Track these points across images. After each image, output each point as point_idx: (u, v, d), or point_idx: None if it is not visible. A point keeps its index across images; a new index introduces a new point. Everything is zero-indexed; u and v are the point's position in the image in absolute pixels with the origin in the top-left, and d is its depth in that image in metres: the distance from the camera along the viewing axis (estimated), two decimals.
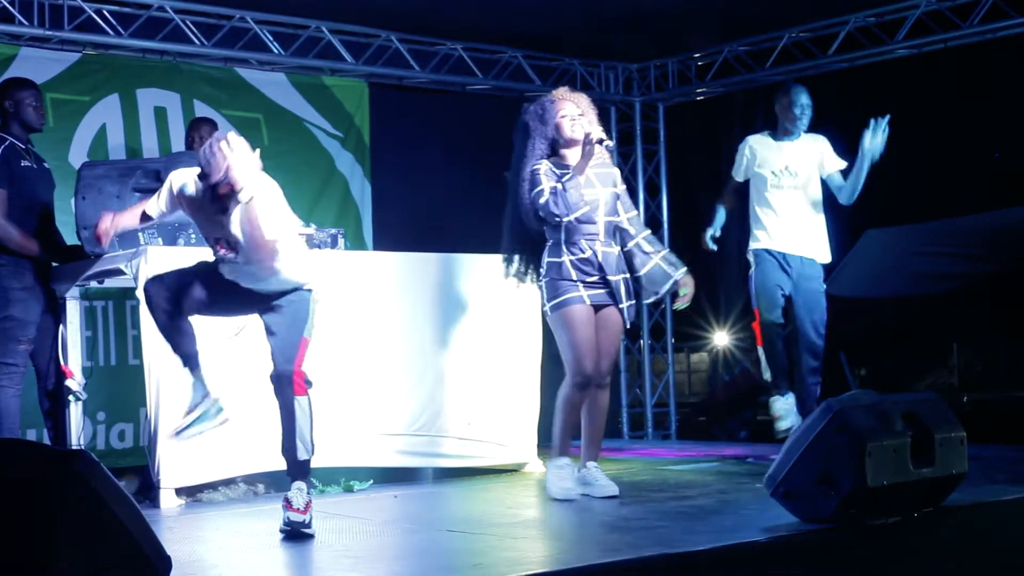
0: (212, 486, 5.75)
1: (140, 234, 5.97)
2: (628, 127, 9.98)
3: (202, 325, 5.06)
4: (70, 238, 6.26)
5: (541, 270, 5.56)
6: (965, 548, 4.54)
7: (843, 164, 6.50)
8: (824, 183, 6.52)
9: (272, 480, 5.88)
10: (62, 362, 6.29)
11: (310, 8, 7.99)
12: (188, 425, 4.83)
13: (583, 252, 5.46)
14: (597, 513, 4.92)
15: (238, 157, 4.68)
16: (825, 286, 6.51)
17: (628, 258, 5.62)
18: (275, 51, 8.07)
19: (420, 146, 8.77)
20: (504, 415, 6.28)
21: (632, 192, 9.95)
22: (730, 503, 5.10)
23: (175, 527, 4.94)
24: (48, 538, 2.79)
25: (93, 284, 6.29)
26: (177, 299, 4.79)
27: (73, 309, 6.35)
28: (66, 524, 2.82)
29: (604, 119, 9.84)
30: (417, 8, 8.06)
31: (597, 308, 5.50)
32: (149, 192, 5.95)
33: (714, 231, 6.71)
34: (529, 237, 5.64)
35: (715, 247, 6.64)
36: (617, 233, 5.60)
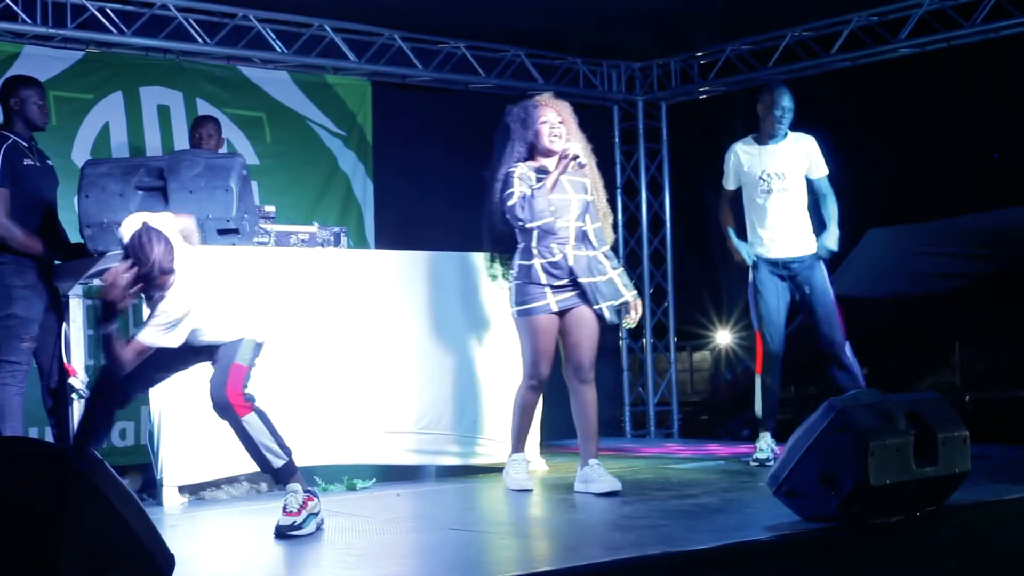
0: (215, 484, 5.76)
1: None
2: (631, 126, 9.98)
3: None
4: (73, 236, 6.27)
5: (512, 272, 5.72)
6: (967, 547, 4.55)
7: (826, 171, 6.52)
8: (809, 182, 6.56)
9: None
10: (65, 360, 6.30)
11: (313, 7, 7.99)
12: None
13: (553, 256, 5.60)
14: (600, 512, 4.92)
15: (163, 247, 4.63)
16: (826, 273, 6.52)
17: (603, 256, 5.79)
18: (278, 49, 8.07)
19: (423, 145, 8.77)
20: (507, 413, 6.26)
21: (635, 191, 9.97)
22: (733, 502, 5.10)
23: (178, 525, 4.94)
24: (51, 536, 2.80)
25: (96, 282, 6.29)
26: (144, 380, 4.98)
27: (76, 307, 6.35)
28: (69, 522, 2.82)
29: (607, 118, 9.93)
30: (420, 7, 8.06)
31: (567, 311, 5.65)
32: (151, 191, 5.97)
33: (746, 256, 6.58)
34: (503, 237, 5.78)
35: (751, 260, 6.57)
36: (587, 238, 5.72)
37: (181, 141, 7.71)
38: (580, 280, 5.61)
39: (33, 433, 6.89)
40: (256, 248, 6.03)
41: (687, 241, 10.74)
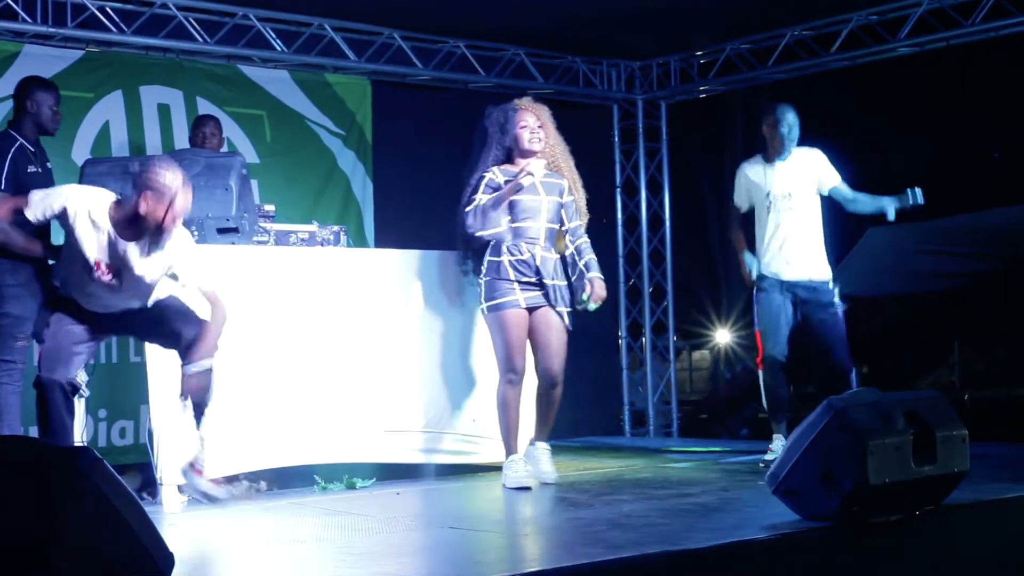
0: (215, 483, 5.75)
1: None
2: (630, 125, 9.98)
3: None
4: None
5: (481, 268, 5.90)
6: (966, 546, 4.55)
7: (838, 178, 6.52)
8: (823, 197, 6.56)
9: (275, 477, 5.89)
10: None
11: (313, 6, 7.98)
12: None
13: (522, 254, 5.82)
14: (599, 510, 4.92)
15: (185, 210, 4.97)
16: (839, 304, 6.52)
17: (564, 263, 6.01)
18: (278, 48, 8.07)
19: (422, 144, 8.77)
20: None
21: (634, 190, 9.96)
22: (732, 501, 5.10)
23: (177, 524, 4.94)
24: (50, 535, 2.80)
25: None
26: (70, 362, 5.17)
27: None
28: (68, 521, 2.82)
29: (606, 117, 9.93)
30: (420, 6, 8.06)
31: (534, 309, 5.86)
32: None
33: (754, 272, 6.62)
34: (470, 236, 5.95)
35: (756, 275, 6.58)
36: (555, 240, 5.96)
37: (181, 140, 7.71)
38: (545, 281, 5.83)
39: (32, 432, 6.89)
40: (255, 247, 6.03)
41: (686, 240, 10.74)
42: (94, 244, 5.00)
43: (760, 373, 6.63)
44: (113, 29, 7.48)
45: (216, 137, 7.11)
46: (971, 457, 4.54)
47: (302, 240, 6.23)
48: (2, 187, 5.84)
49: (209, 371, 5.10)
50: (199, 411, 5.17)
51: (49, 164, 6.20)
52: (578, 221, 6.06)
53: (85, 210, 4.99)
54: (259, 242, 6.10)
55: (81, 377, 6.23)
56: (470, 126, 6.25)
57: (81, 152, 7.37)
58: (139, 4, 7.56)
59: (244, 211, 5.97)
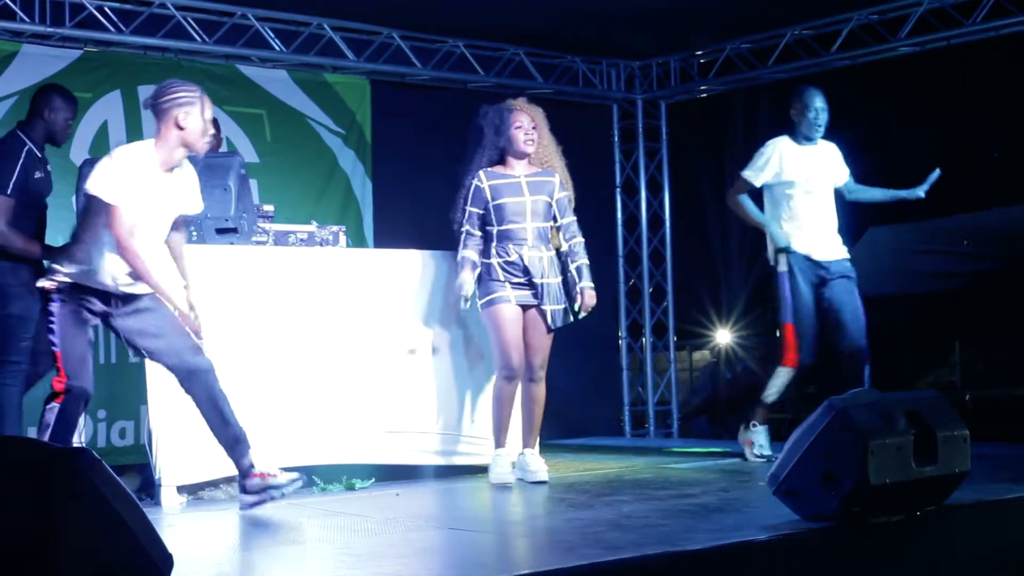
0: (213, 484, 5.75)
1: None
2: (630, 124, 9.97)
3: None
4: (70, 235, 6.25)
5: (478, 269, 6.03)
6: (967, 546, 4.54)
7: (847, 171, 6.52)
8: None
9: None
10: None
11: (312, 5, 7.98)
12: None
13: (509, 256, 5.96)
14: (599, 511, 4.92)
15: None
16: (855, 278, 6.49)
17: (560, 257, 6.14)
18: (277, 48, 8.07)
19: (422, 143, 8.76)
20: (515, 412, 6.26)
21: (634, 190, 9.96)
22: (732, 501, 5.09)
23: (176, 525, 4.94)
24: (49, 536, 2.79)
25: None
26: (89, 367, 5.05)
27: None
28: (67, 522, 2.81)
29: (606, 117, 9.93)
30: (419, 5, 8.05)
31: (524, 308, 5.99)
32: None
33: (780, 238, 6.44)
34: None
35: (786, 243, 6.40)
36: (546, 238, 6.06)
37: None
38: (534, 280, 5.95)
39: (32, 433, 6.88)
40: (254, 247, 6.02)
41: (686, 240, 10.74)
42: (148, 192, 4.92)
43: (783, 370, 6.44)
44: (111, 29, 7.48)
45: (215, 137, 7.10)
46: (972, 457, 4.53)
47: (301, 240, 6.22)
48: (9, 192, 5.83)
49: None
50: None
51: (49, 167, 6.21)
52: (571, 217, 6.13)
53: (141, 162, 4.90)
54: (258, 242, 6.09)
55: None
56: (469, 126, 6.26)
57: (79, 152, 7.36)
58: (137, 4, 7.56)
59: (243, 211, 5.96)
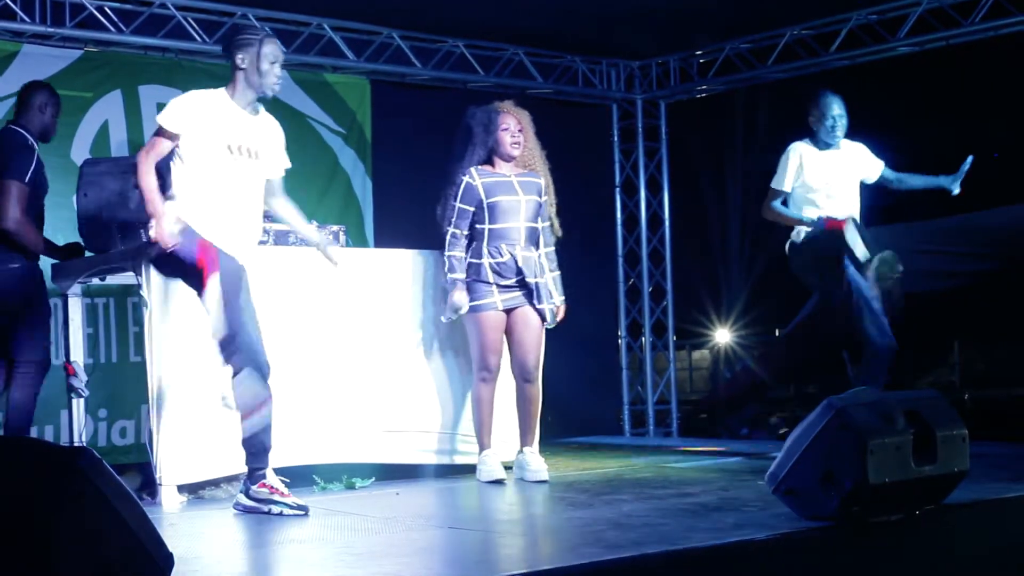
0: (214, 483, 5.75)
1: (142, 231, 5.96)
2: (630, 124, 9.98)
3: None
4: (72, 235, 6.27)
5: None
6: (966, 546, 4.55)
7: (881, 163, 6.50)
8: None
9: None
10: (65, 359, 6.30)
11: (312, 5, 7.98)
12: None
13: (501, 256, 5.97)
14: (599, 510, 4.92)
15: None
16: None
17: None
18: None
19: (422, 144, 8.75)
20: (506, 412, 6.27)
21: (633, 190, 9.97)
22: (732, 500, 5.10)
23: (177, 524, 4.94)
24: (50, 535, 2.79)
25: (95, 281, 6.29)
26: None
27: (75, 306, 6.36)
28: (68, 521, 2.82)
29: (606, 116, 9.93)
30: (419, 5, 8.06)
31: (512, 309, 6.02)
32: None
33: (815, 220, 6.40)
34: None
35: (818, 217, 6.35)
36: (536, 238, 6.11)
37: None
38: (527, 280, 5.97)
39: (33, 432, 6.89)
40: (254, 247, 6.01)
41: (686, 240, 10.74)
42: (223, 126, 4.99)
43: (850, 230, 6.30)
44: (112, 29, 7.48)
45: None
46: (971, 457, 4.54)
47: (301, 240, 6.21)
48: (26, 180, 5.84)
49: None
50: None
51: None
52: (547, 223, 6.20)
53: (208, 99, 5.00)
54: (259, 242, 6.08)
55: (81, 377, 6.25)
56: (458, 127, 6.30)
57: (80, 151, 7.36)
58: (138, 4, 7.56)
59: None
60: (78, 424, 6.28)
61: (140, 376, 5.77)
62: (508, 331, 6.05)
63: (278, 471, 5.60)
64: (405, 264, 6.41)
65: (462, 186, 6.04)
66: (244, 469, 5.52)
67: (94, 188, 6.01)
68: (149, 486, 5.70)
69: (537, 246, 6.11)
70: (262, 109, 5.19)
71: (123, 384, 7.17)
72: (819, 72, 8.88)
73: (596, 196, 9.86)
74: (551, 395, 6.63)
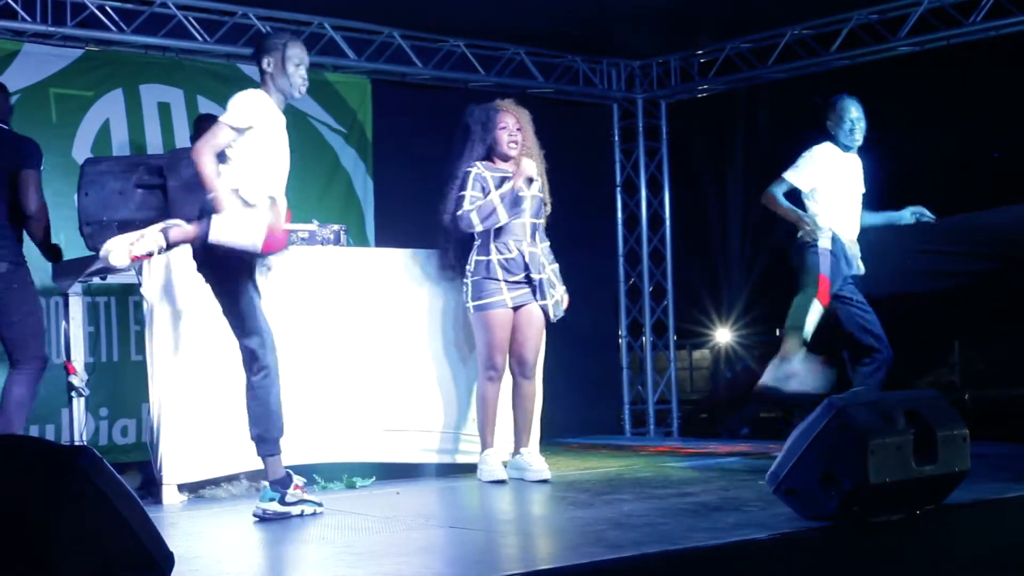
0: (215, 482, 5.76)
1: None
2: (630, 124, 9.98)
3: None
4: (72, 234, 6.27)
5: (468, 267, 6.01)
6: (967, 546, 4.54)
7: (863, 189, 6.46)
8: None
9: None
10: (65, 358, 6.30)
11: (312, 4, 7.98)
12: None
13: (510, 252, 5.95)
14: (599, 510, 4.92)
15: None
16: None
17: None
18: None
19: (422, 143, 8.75)
20: (507, 411, 6.28)
21: (634, 189, 9.97)
22: (732, 500, 5.10)
23: (178, 523, 4.94)
24: (50, 534, 2.79)
25: (95, 280, 6.30)
26: None
27: (76, 305, 6.36)
28: (68, 520, 2.82)
29: (606, 116, 9.93)
30: (420, 5, 8.06)
31: (519, 307, 5.99)
32: (151, 188, 5.96)
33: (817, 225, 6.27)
34: (458, 231, 6.05)
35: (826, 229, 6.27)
36: (537, 234, 6.09)
37: (182, 138, 7.71)
38: (533, 276, 5.96)
39: (34, 431, 6.90)
40: None
41: (687, 239, 10.74)
42: (275, 127, 4.99)
43: (818, 304, 6.16)
44: (112, 28, 7.48)
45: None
46: (972, 456, 4.54)
47: (302, 239, 6.22)
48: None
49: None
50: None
51: None
52: (543, 220, 6.19)
53: (260, 99, 4.96)
54: None
55: (81, 376, 6.25)
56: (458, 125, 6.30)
57: (81, 150, 7.37)
58: (139, 3, 7.56)
59: None
60: (78, 423, 6.29)
61: (141, 375, 5.77)
62: (512, 328, 6.03)
63: None
64: (405, 264, 6.41)
65: (471, 175, 5.97)
66: (244, 469, 5.53)
67: (95, 187, 6.00)
68: (150, 485, 5.71)
69: (539, 242, 6.11)
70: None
71: (124, 383, 7.17)
72: (820, 72, 8.88)
73: (597, 195, 9.86)
74: (552, 395, 6.64)
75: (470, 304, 6.00)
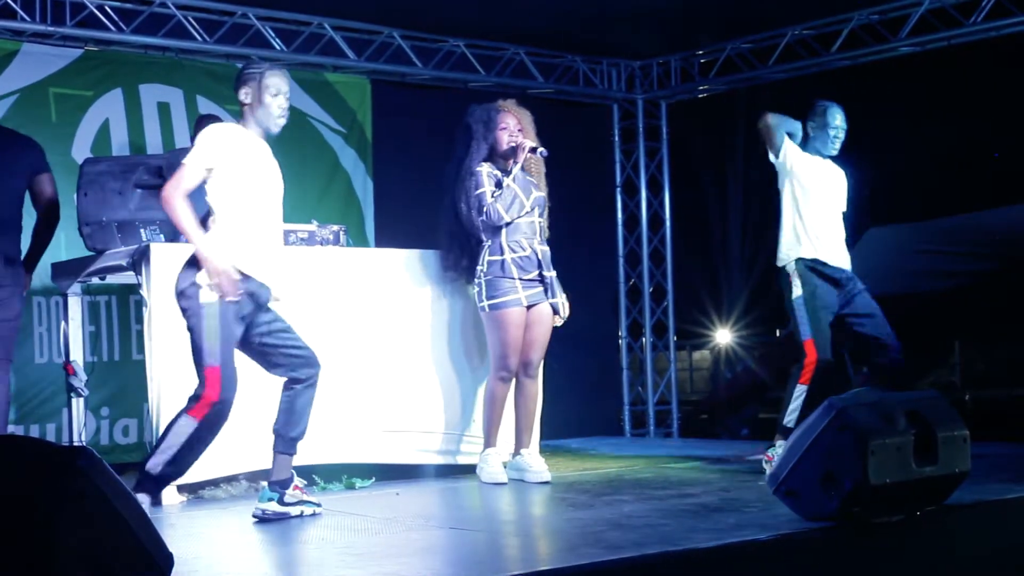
0: (214, 483, 5.75)
1: (142, 231, 5.96)
2: (631, 124, 9.97)
3: None
4: (72, 234, 6.27)
5: (480, 268, 5.97)
6: (967, 546, 4.54)
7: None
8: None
9: None
10: (64, 358, 6.30)
11: (312, 5, 7.98)
12: None
13: (524, 250, 5.93)
14: (599, 511, 4.92)
15: None
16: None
17: None
18: (277, 48, 8.06)
19: (422, 143, 8.75)
20: (507, 412, 6.27)
21: (634, 190, 9.97)
22: (732, 501, 5.10)
23: (177, 524, 4.94)
24: (49, 535, 2.79)
25: (95, 280, 6.29)
26: None
27: (75, 305, 6.36)
28: (67, 521, 2.82)
29: (606, 116, 9.92)
30: (419, 5, 8.05)
31: (531, 306, 5.97)
32: (150, 188, 5.96)
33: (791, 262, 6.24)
34: (464, 231, 6.05)
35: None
36: (542, 233, 6.08)
37: (182, 138, 7.70)
38: (545, 273, 5.97)
39: (33, 431, 6.90)
40: None
41: (687, 240, 10.74)
42: (247, 160, 4.85)
43: (801, 388, 6.05)
44: (112, 28, 7.47)
45: None
46: (972, 457, 4.54)
47: (301, 240, 6.22)
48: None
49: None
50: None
51: None
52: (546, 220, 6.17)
53: (227, 133, 4.86)
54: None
55: (81, 377, 6.24)
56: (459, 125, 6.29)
57: (81, 150, 7.36)
58: (138, 3, 7.55)
59: None
60: (78, 423, 6.28)
61: (142, 374, 5.77)
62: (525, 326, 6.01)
63: None
64: (406, 264, 6.41)
65: (483, 174, 5.95)
66: (244, 469, 5.53)
67: (94, 187, 6.00)
68: None
69: (544, 241, 6.09)
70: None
71: (125, 382, 7.17)
72: (820, 72, 8.88)
73: (597, 196, 9.86)
74: (552, 395, 6.63)
75: (485, 303, 5.94)
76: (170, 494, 5.54)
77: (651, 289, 9.94)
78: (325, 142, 8.51)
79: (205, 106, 7.87)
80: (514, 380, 6.11)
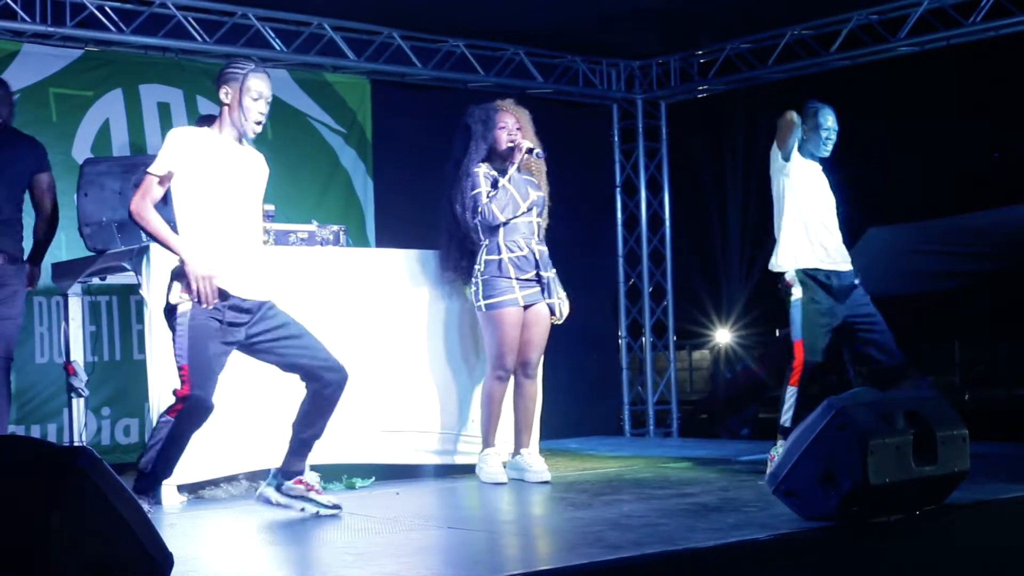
0: (214, 483, 5.75)
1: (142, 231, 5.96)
2: (630, 124, 9.98)
3: None
4: (72, 234, 6.27)
5: (477, 267, 5.98)
6: (967, 546, 4.54)
7: None
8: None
9: None
10: (64, 358, 6.30)
11: (312, 5, 7.98)
12: None
13: (521, 250, 5.94)
14: (599, 510, 4.92)
15: None
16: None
17: None
18: (277, 48, 8.07)
19: (422, 143, 8.76)
20: (507, 412, 6.28)
21: (634, 190, 9.97)
22: (732, 501, 5.10)
23: (177, 524, 4.94)
24: (49, 535, 2.79)
25: (95, 280, 6.30)
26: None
27: (75, 305, 6.36)
28: (67, 521, 2.82)
29: (606, 116, 9.93)
30: (419, 5, 8.06)
31: (528, 306, 5.97)
32: None
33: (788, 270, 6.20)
34: (461, 231, 6.06)
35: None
36: (540, 233, 6.08)
37: None
38: (542, 273, 5.96)
39: (34, 431, 6.90)
40: None
41: (686, 240, 10.74)
42: (212, 163, 4.79)
43: (792, 390, 6.04)
44: (112, 28, 7.47)
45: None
46: (971, 457, 4.54)
47: (301, 240, 6.22)
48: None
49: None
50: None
51: None
52: (545, 220, 6.17)
53: (192, 137, 4.80)
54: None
55: (81, 377, 6.24)
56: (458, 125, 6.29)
57: (81, 150, 7.36)
58: (138, 3, 7.55)
59: None
60: (78, 423, 6.28)
61: (143, 374, 5.77)
62: (521, 326, 6.01)
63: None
64: (406, 264, 6.41)
65: (479, 174, 5.96)
66: (244, 469, 5.54)
67: (94, 188, 6.01)
68: None
69: (543, 241, 6.09)
70: (247, 144, 5.02)
71: (126, 382, 7.17)
72: (820, 72, 8.88)
73: (596, 196, 9.86)
74: (551, 395, 6.63)
75: (481, 303, 5.96)
76: (170, 494, 5.54)
77: (651, 289, 9.94)
78: (325, 142, 8.51)
79: (205, 106, 7.87)
80: (513, 380, 6.11)
